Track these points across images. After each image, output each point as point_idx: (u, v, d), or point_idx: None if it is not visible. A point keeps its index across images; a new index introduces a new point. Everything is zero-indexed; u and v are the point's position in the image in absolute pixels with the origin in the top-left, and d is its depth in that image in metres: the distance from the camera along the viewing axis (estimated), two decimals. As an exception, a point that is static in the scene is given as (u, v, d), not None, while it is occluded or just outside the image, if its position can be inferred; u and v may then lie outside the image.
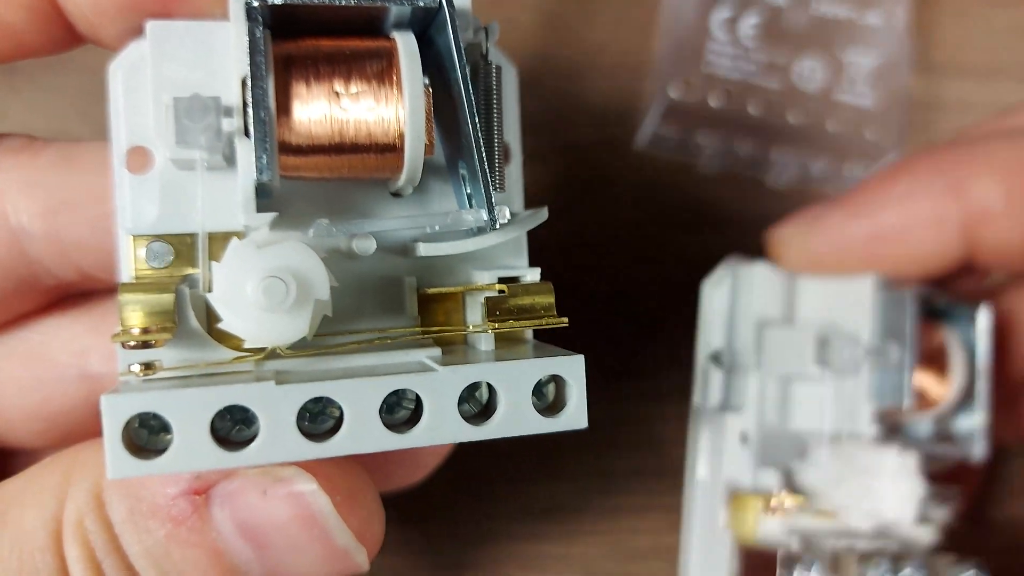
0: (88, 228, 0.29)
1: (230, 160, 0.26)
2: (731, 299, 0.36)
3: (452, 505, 0.43)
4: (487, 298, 0.27)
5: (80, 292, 0.32)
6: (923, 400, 0.35)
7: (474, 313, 0.28)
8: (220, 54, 0.26)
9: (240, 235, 0.26)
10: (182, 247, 0.27)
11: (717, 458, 0.36)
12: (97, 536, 0.26)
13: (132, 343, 0.25)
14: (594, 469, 0.43)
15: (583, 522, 0.43)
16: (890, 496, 0.33)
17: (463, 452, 0.41)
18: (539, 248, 0.29)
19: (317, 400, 0.24)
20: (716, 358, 0.36)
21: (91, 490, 0.27)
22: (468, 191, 0.28)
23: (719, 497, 0.36)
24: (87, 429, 0.31)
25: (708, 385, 0.36)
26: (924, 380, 0.35)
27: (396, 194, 0.28)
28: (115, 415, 0.23)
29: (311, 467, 0.26)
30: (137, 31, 0.27)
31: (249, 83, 0.24)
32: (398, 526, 0.41)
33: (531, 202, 0.30)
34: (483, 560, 0.42)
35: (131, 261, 0.26)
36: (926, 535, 0.33)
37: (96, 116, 0.38)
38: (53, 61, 0.41)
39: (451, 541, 0.42)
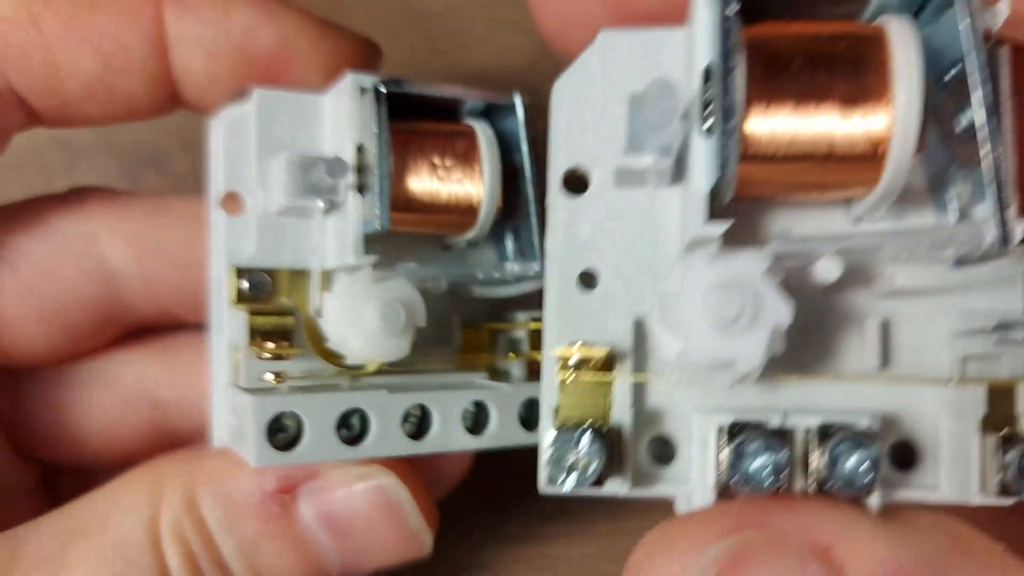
0: (177, 270, 0.33)
1: (337, 208, 0.30)
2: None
3: (455, 505, 0.43)
4: (532, 331, 0.32)
5: (154, 327, 0.36)
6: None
7: (504, 345, 0.34)
8: (313, 122, 0.31)
9: (330, 273, 0.31)
10: (276, 280, 0.31)
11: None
12: (193, 535, 0.29)
13: (268, 355, 0.29)
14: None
15: (585, 523, 0.43)
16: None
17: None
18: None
19: (419, 408, 0.30)
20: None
21: (185, 494, 0.30)
22: (518, 247, 0.32)
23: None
24: (152, 451, 0.34)
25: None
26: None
27: (446, 247, 0.34)
28: (262, 413, 0.28)
29: (386, 464, 0.31)
30: (234, 96, 0.31)
31: (370, 149, 0.29)
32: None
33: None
34: (485, 560, 0.43)
35: (234, 291, 0.30)
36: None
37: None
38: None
39: (454, 541, 0.41)
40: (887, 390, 0.25)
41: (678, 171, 0.25)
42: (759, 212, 0.26)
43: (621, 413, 0.25)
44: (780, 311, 0.22)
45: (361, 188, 0.29)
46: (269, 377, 0.30)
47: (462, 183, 0.31)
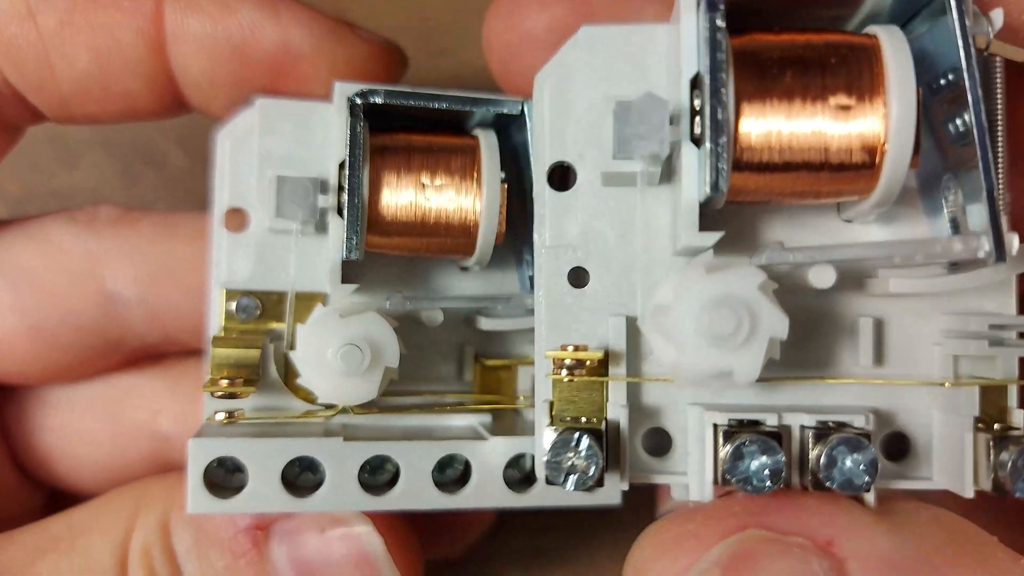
0: (182, 294, 0.32)
1: (320, 228, 0.29)
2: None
3: None
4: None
5: (157, 354, 0.35)
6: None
7: (524, 384, 0.32)
8: (320, 133, 0.29)
9: (322, 297, 0.29)
10: (268, 303, 0.30)
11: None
12: (161, 565, 0.28)
13: (220, 393, 0.28)
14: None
15: (584, 521, 0.42)
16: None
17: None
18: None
19: (380, 456, 0.27)
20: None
21: (159, 520, 0.29)
22: (530, 273, 0.30)
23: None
24: None
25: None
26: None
27: (464, 269, 0.32)
28: (200, 456, 0.26)
29: (366, 512, 0.29)
30: (241, 103, 0.30)
31: (347, 171, 0.27)
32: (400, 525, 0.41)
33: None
34: (485, 558, 0.42)
35: (221, 313, 0.29)
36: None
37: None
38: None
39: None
40: (881, 388, 0.26)
41: (667, 170, 0.25)
42: (752, 216, 0.26)
43: (616, 410, 0.26)
44: (776, 324, 0.23)
45: (340, 210, 0.28)
46: (220, 416, 0.28)
47: (456, 203, 0.29)
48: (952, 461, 0.25)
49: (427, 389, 0.32)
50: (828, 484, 0.23)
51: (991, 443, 0.24)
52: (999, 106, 0.24)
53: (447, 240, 0.29)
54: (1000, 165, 0.23)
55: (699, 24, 0.23)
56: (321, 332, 0.28)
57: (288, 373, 0.29)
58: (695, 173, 0.23)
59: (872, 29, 0.24)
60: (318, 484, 0.27)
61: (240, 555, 0.28)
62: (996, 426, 0.24)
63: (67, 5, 0.29)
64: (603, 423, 0.25)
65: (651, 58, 0.26)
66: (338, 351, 0.27)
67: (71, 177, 0.42)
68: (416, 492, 0.27)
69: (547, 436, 0.24)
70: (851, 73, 0.23)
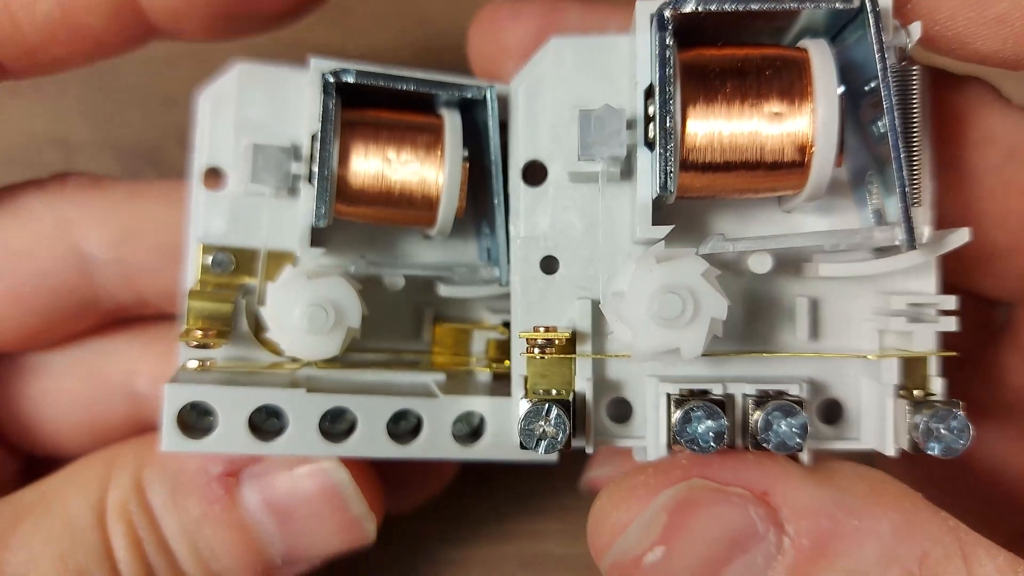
0: (153, 256, 0.33)
1: (293, 192, 0.31)
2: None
3: (454, 504, 0.42)
4: (494, 340, 0.33)
5: (133, 317, 0.36)
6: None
7: (478, 347, 0.34)
8: (294, 100, 0.31)
9: (293, 257, 0.31)
10: (242, 259, 0.32)
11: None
12: (139, 516, 0.30)
13: (194, 343, 0.30)
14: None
15: (584, 522, 0.41)
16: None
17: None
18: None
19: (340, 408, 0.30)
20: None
21: (133, 476, 0.30)
22: (488, 246, 0.32)
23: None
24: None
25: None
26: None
27: (428, 237, 0.33)
28: (174, 399, 0.29)
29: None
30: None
31: (317, 143, 0.29)
32: (399, 525, 0.41)
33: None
34: (484, 559, 0.43)
35: (198, 267, 0.31)
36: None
37: (98, 118, 0.39)
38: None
39: (453, 540, 0.43)
40: (817, 361, 0.29)
41: (626, 168, 0.28)
42: (702, 209, 0.29)
43: (583, 383, 0.29)
44: (717, 306, 0.26)
45: (311, 179, 0.29)
46: (193, 364, 0.30)
47: (419, 177, 0.30)
48: (876, 424, 0.28)
49: (387, 347, 0.34)
50: (765, 445, 0.27)
51: (908, 408, 0.27)
52: (916, 109, 0.26)
53: (411, 211, 0.31)
54: (917, 161, 0.26)
55: (651, 41, 0.26)
56: (289, 292, 0.30)
57: (258, 327, 0.31)
58: (648, 173, 0.26)
59: (804, 43, 0.27)
60: (282, 430, 0.30)
61: (214, 501, 0.30)
62: (915, 392, 0.28)
63: None
64: (571, 395, 0.28)
65: (614, 65, 0.29)
66: (304, 311, 0.29)
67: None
68: (371, 441, 0.30)
69: (522, 407, 0.27)
70: (783, 83, 0.26)
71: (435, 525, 0.42)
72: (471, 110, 0.32)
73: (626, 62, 0.29)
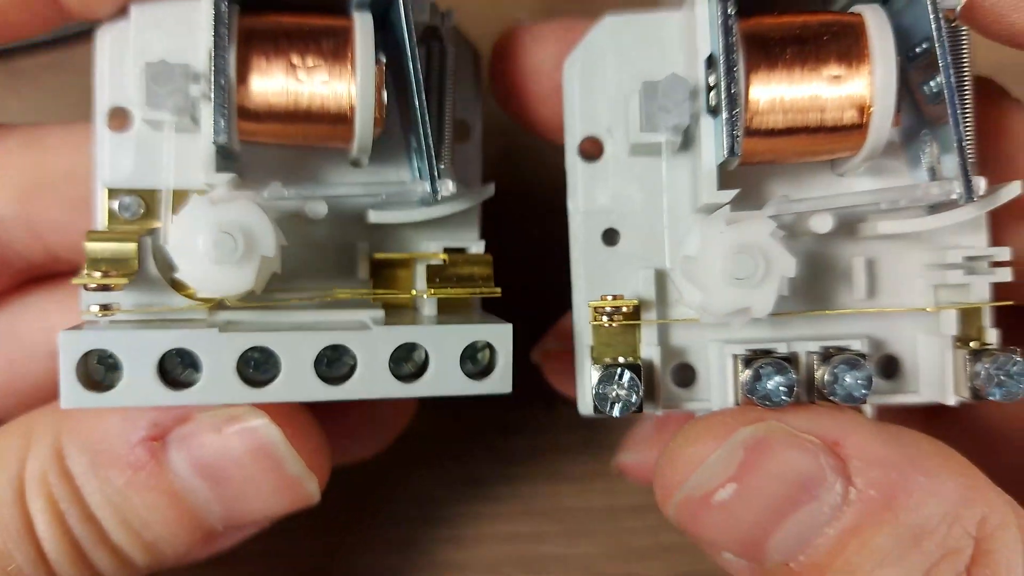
0: (62, 210, 0.31)
1: (196, 121, 0.27)
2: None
3: (453, 506, 0.41)
4: (428, 265, 0.29)
5: (49, 274, 0.33)
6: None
7: (421, 280, 0.30)
8: (196, 25, 0.28)
9: (202, 194, 0.27)
10: (152, 202, 0.28)
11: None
12: (59, 489, 0.27)
13: (93, 286, 0.26)
14: (594, 470, 0.43)
15: (584, 522, 0.42)
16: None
17: (463, 452, 0.41)
18: (504, 223, 0.32)
19: (263, 350, 0.26)
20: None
21: (52, 445, 0.27)
22: (418, 164, 0.29)
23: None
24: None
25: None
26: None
27: (355, 164, 0.30)
28: (70, 350, 0.25)
29: (262, 407, 0.28)
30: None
31: (212, 51, 0.26)
32: (399, 526, 0.41)
33: (497, 177, 0.32)
34: (484, 560, 0.42)
35: (104, 213, 0.28)
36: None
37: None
38: (55, 62, 0.38)
39: (452, 542, 0.42)
40: (874, 317, 0.30)
41: (685, 140, 0.29)
42: (758, 175, 0.30)
43: (649, 350, 0.29)
44: (786, 265, 0.26)
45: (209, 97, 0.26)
46: (94, 309, 0.27)
47: (329, 85, 0.27)
48: (935, 376, 0.29)
49: (318, 286, 0.30)
50: (832, 398, 0.27)
51: (967, 358, 0.28)
52: (966, 69, 0.27)
53: (323, 127, 0.28)
54: (969, 119, 0.27)
55: (712, 12, 0.27)
56: (192, 220, 0.26)
57: (169, 270, 0.27)
58: (712, 140, 0.27)
59: (858, 8, 0.28)
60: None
61: (139, 468, 0.28)
62: (972, 343, 0.29)
63: None
64: (637, 360, 0.29)
65: (666, 41, 0.30)
66: (209, 238, 0.25)
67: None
68: (297, 383, 0.27)
69: (593, 374, 0.28)
70: (841, 47, 0.27)
71: (435, 527, 0.41)
72: (386, 15, 0.28)
73: (676, 37, 0.30)
